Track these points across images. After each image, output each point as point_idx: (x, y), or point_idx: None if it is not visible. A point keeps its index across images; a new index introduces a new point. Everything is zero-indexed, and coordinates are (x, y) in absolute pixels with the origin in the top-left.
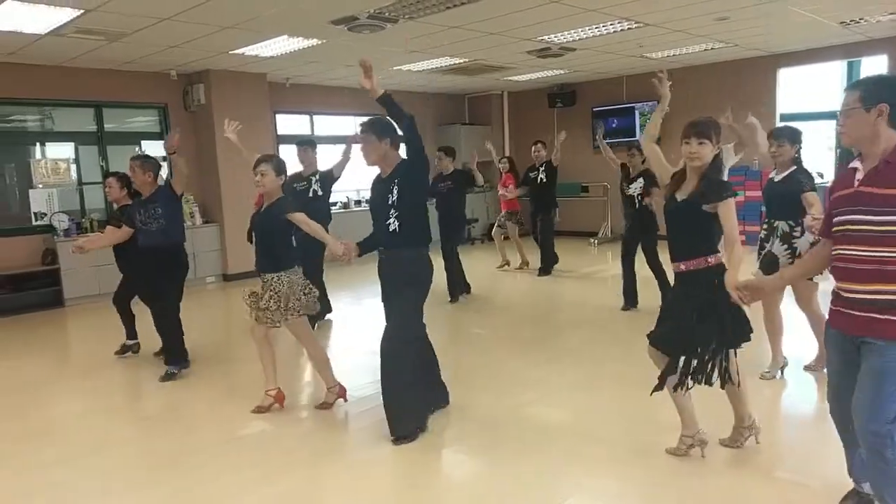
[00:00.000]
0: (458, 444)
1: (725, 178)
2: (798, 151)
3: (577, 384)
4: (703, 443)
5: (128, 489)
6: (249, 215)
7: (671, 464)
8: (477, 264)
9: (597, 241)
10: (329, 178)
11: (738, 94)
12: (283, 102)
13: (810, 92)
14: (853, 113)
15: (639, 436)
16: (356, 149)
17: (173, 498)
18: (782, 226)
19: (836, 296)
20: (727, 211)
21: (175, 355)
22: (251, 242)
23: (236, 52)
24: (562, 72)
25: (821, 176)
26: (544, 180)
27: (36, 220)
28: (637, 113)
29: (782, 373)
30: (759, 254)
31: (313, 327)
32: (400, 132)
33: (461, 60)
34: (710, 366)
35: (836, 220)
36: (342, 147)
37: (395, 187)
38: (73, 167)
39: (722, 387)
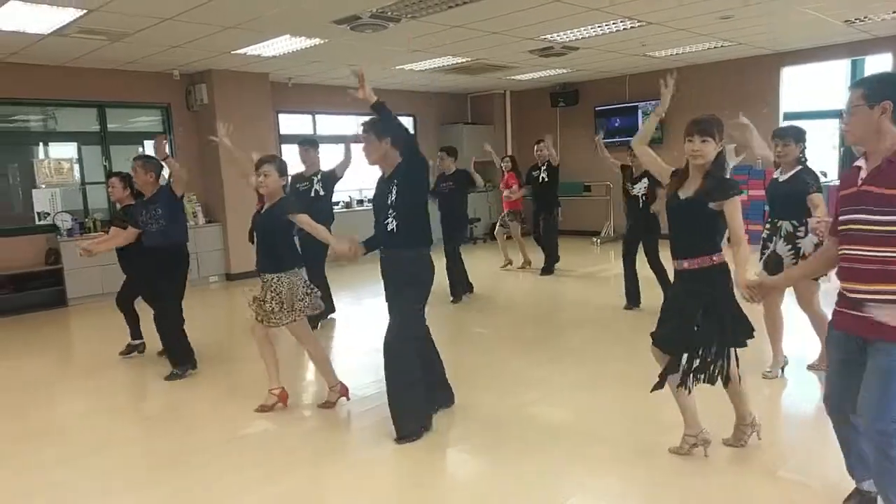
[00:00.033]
0: (460, 444)
1: (728, 176)
2: (803, 151)
3: (580, 384)
4: (707, 442)
5: (128, 489)
6: (251, 215)
7: (674, 463)
8: (479, 264)
9: (599, 241)
10: (331, 178)
11: (741, 92)
12: (286, 102)
13: (814, 90)
14: (857, 110)
15: (641, 435)
16: (356, 149)
17: (174, 498)
18: (786, 226)
19: (841, 297)
20: (733, 209)
21: (177, 357)
22: (252, 242)
23: (238, 51)
24: (564, 71)
25: (824, 175)
26: (546, 180)
27: (39, 219)
28: (640, 112)
29: (783, 372)
30: (762, 253)
31: (316, 326)
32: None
33: (463, 60)
34: (711, 365)
35: (840, 219)
36: (343, 147)
37: (395, 187)
38: (77, 167)
39: (725, 386)
